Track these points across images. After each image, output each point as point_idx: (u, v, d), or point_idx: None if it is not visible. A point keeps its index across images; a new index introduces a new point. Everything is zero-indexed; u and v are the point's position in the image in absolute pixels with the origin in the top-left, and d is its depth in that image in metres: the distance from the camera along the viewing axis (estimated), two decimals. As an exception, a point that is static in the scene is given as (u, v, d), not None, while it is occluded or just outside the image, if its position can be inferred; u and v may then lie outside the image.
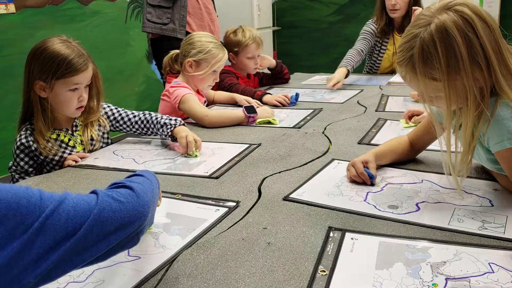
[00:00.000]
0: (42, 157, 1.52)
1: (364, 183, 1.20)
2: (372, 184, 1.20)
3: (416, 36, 0.96)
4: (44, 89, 1.45)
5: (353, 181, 1.22)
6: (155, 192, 0.83)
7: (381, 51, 2.90)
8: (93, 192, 0.70)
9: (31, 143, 1.49)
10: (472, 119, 0.98)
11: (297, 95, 2.23)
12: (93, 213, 0.64)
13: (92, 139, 1.61)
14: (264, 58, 2.63)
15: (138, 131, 1.71)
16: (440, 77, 0.95)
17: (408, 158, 1.34)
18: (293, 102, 2.20)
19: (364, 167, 1.20)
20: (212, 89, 2.28)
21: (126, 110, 1.72)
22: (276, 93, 2.30)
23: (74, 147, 1.58)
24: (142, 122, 1.68)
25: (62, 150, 1.54)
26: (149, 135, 1.72)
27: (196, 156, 1.51)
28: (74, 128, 1.59)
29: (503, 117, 0.96)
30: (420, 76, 0.98)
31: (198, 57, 1.99)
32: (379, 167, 1.29)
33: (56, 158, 1.53)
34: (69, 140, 1.57)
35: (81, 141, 1.60)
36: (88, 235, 0.63)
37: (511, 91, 0.95)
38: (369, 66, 3.03)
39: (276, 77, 2.76)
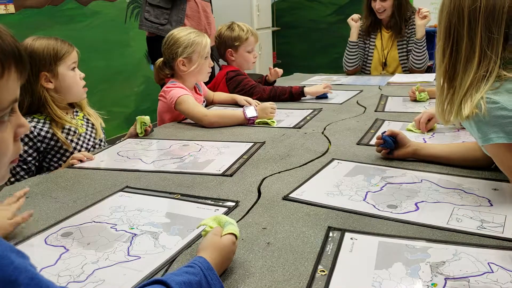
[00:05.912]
0: (43, 146, 1.53)
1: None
2: (391, 153, 1.36)
3: None
4: (50, 80, 1.53)
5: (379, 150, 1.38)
6: None
7: (370, 50, 2.98)
8: None
9: (32, 129, 1.50)
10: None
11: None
12: None
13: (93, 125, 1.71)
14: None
15: None
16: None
17: (476, 164, 1.26)
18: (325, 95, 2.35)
19: (389, 135, 1.34)
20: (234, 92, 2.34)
21: None
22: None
23: (76, 130, 1.63)
24: None
25: (70, 138, 1.60)
26: None
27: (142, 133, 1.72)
28: (74, 114, 1.67)
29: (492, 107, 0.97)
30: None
31: (187, 53, 1.99)
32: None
33: (61, 151, 1.57)
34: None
35: (82, 124, 1.67)
36: None
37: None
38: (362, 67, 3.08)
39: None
